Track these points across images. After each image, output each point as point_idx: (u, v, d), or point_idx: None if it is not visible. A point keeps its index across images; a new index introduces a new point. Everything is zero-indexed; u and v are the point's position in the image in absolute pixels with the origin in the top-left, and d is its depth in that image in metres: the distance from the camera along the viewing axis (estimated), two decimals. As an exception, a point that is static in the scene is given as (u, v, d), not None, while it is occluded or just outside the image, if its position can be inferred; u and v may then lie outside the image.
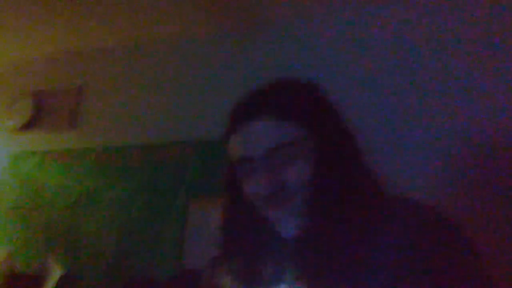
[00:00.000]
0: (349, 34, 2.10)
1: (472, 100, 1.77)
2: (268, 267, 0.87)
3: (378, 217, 0.72)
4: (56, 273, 2.40)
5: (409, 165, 1.79)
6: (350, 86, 2.00)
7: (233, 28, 2.36)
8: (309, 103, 0.82)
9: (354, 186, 0.77)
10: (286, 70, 0.88)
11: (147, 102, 2.51)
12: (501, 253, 1.58)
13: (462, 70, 1.82)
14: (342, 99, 1.81)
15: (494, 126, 1.71)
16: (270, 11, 2.24)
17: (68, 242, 2.45)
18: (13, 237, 2.58)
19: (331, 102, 0.85)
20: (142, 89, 2.55)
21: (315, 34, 2.18)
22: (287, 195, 0.78)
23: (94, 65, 2.74)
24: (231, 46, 2.35)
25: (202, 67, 2.40)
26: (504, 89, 1.73)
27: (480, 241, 1.55)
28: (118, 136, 2.53)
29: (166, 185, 2.31)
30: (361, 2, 2.08)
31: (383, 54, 1.99)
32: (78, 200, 2.50)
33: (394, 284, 0.68)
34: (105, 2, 2.29)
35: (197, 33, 2.44)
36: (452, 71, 1.83)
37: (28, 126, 2.77)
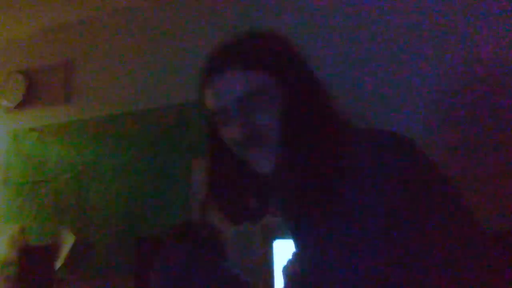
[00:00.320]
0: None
1: (457, 43, 1.83)
2: (252, 203, 0.96)
3: (343, 148, 0.78)
4: (68, 242, 2.48)
5: (400, 106, 1.87)
6: (341, 36, 2.05)
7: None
8: (275, 52, 0.87)
9: (320, 124, 0.83)
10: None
11: (140, 68, 2.54)
12: (486, 186, 1.69)
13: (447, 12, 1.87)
14: (334, 49, 1.85)
15: (478, 66, 1.78)
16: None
17: (76, 212, 2.53)
18: (23, 212, 2.66)
19: (296, 50, 0.90)
20: (134, 55, 2.57)
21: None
22: (261, 137, 0.84)
23: (82, 37, 2.74)
24: (223, 8, 2.36)
25: (197, 27, 2.41)
26: (487, 30, 1.78)
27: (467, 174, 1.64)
28: (115, 105, 2.57)
29: (168, 147, 2.37)
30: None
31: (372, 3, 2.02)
32: (82, 170, 2.56)
33: (365, 208, 0.72)
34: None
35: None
36: (437, 13, 1.88)
37: (23, 104, 2.81)
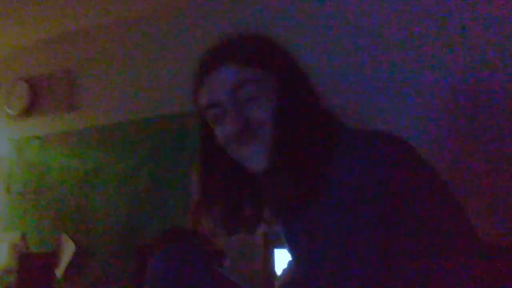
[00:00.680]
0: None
1: (459, 50, 1.84)
2: (246, 209, 0.95)
3: (335, 148, 0.78)
4: (69, 249, 2.49)
5: (402, 111, 1.88)
6: (342, 36, 2.06)
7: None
8: (267, 50, 0.89)
9: (311, 121, 0.84)
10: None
11: (143, 77, 2.55)
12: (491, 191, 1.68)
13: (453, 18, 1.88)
14: (336, 53, 1.83)
15: (479, 74, 1.78)
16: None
17: (78, 219, 2.53)
18: (25, 219, 2.66)
19: (286, 49, 0.92)
20: (137, 64, 2.58)
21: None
22: (254, 131, 0.84)
23: (86, 45, 2.76)
24: (222, 16, 2.38)
25: (199, 37, 2.41)
26: (490, 37, 1.79)
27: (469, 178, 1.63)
28: (117, 113, 2.58)
29: (169, 155, 2.38)
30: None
31: (375, 5, 2.04)
32: (84, 178, 2.57)
33: (356, 210, 0.72)
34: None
35: (187, 5, 2.47)
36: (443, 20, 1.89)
37: (26, 112, 2.82)
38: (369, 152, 0.76)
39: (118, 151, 2.52)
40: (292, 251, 0.92)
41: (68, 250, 2.48)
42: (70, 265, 2.46)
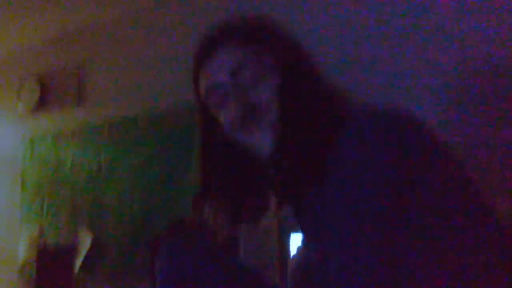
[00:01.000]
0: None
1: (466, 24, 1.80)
2: (251, 198, 0.92)
3: (344, 125, 0.75)
4: (86, 242, 2.52)
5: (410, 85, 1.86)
6: (352, 15, 2.04)
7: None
8: (266, 30, 0.87)
9: (318, 97, 0.82)
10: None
11: (153, 71, 2.55)
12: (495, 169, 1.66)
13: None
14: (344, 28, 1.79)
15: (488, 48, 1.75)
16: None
17: (93, 213, 2.56)
18: (41, 214, 2.70)
19: (286, 30, 0.89)
20: (146, 58, 2.58)
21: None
22: (258, 113, 0.82)
23: (95, 40, 2.77)
24: (230, 8, 2.36)
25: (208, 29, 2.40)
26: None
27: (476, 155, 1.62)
28: (128, 107, 2.59)
29: (180, 148, 2.38)
30: None
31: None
32: (97, 172, 2.59)
33: (364, 190, 0.71)
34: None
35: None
36: None
37: (38, 109, 2.84)
38: (378, 129, 0.73)
39: (130, 145, 2.54)
40: (304, 235, 0.91)
41: (84, 243, 2.52)
42: (87, 257, 2.49)
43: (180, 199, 2.33)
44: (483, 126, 1.72)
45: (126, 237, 2.45)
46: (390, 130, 0.74)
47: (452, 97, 1.79)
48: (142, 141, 2.51)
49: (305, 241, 0.92)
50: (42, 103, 2.83)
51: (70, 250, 2.51)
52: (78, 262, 2.50)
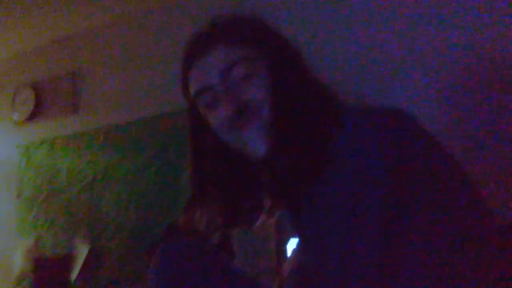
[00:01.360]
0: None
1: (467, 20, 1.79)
2: (245, 200, 0.90)
3: (339, 124, 0.74)
4: (82, 252, 2.49)
5: (407, 87, 1.84)
6: (347, 13, 2.02)
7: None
8: (256, 29, 0.85)
9: (312, 97, 0.79)
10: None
11: (147, 75, 2.53)
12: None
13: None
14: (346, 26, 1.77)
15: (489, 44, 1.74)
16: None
17: (90, 221, 2.53)
18: (37, 224, 2.67)
19: (277, 29, 0.87)
20: (140, 62, 2.57)
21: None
22: (251, 112, 0.79)
23: (88, 47, 2.75)
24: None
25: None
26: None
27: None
28: (123, 113, 2.57)
29: (176, 152, 2.36)
30: None
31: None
32: (93, 179, 2.57)
33: (365, 191, 0.69)
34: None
35: (190, 3, 2.45)
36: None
37: (32, 117, 2.83)
38: (374, 128, 0.72)
39: (126, 151, 2.51)
40: (300, 236, 0.89)
41: (81, 252, 2.49)
42: (84, 266, 2.46)
43: (177, 205, 2.30)
44: (482, 125, 1.71)
45: (123, 245, 2.42)
46: (386, 126, 0.73)
47: (449, 97, 1.78)
48: (137, 147, 2.48)
49: (301, 242, 0.90)
50: (37, 111, 2.81)
51: (67, 260, 2.49)
52: (75, 272, 2.48)
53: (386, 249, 0.68)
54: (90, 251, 2.47)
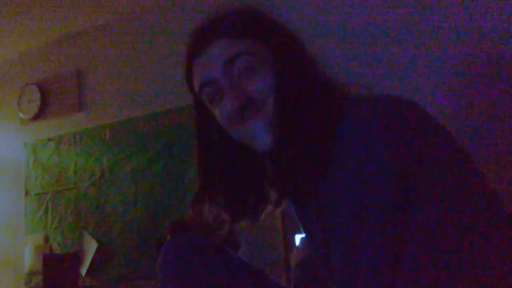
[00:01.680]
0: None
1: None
2: (251, 194, 0.90)
3: (343, 113, 0.73)
4: (91, 248, 2.51)
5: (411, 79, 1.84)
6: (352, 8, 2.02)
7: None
8: (257, 20, 0.84)
9: (315, 88, 0.79)
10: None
11: (151, 71, 2.54)
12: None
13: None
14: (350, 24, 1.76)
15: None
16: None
17: (98, 217, 2.55)
18: (46, 221, 2.69)
19: (276, 17, 0.87)
20: (143, 60, 2.58)
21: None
22: (255, 105, 0.79)
23: (92, 44, 2.76)
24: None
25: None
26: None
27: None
28: (128, 109, 2.58)
29: (182, 148, 2.37)
30: None
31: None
32: (100, 176, 2.58)
33: (370, 179, 0.68)
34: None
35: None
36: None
37: (38, 115, 2.84)
38: (377, 116, 0.71)
39: (132, 148, 2.52)
40: (305, 229, 0.89)
41: (90, 248, 2.51)
42: (93, 262, 2.48)
43: (184, 201, 2.31)
44: (487, 119, 1.70)
45: (131, 241, 2.43)
46: (390, 114, 0.72)
47: (454, 92, 1.77)
48: (143, 144, 2.50)
49: (306, 235, 0.90)
50: (43, 109, 2.83)
51: (76, 256, 2.51)
52: (84, 268, 2.50)
53: (393, 240, 0.67)
54: (98, 248, 2.48)
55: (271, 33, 0.83)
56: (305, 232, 0.90)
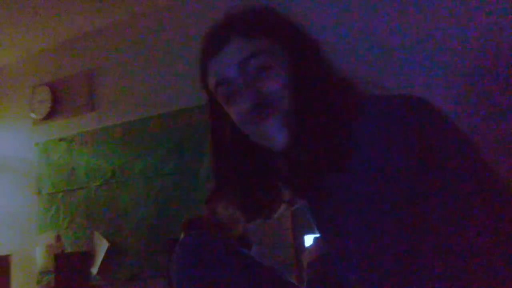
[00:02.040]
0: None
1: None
2: (265, 192, 0.90)
3: (358, 112, 0.73)
4: (102, 247, 2.52)
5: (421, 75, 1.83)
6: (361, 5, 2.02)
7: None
8: (271, 19, 0.84)
9: (331, 87, 0.79)
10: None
11: (162, 71, 2.55)
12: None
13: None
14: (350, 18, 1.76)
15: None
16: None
17: (109, 217, 2.56)
18: (57, 220, 2.71)
19: (290, 17, 0.87)
20: (154, 60, 2.58)
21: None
22: (271, 104, 0.79)
23: (102, 45, 2.78)
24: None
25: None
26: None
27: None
28: (139, 109, 2.59)
29: (193, 148, 2.38)
30: None
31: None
32: (111, 176, 2.59)
33: (381, 178, 0.68)
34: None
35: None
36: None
37: (50, 115, 2.86)
38: (392, 114, 0.71)
39: (143, 147, 2.54)
40: (319, 227, 0.89)
41: (101, 247, 2.52)
42: (104, 262, 2.49)
43: (195, 200, 2.32)
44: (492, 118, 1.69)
45: (142, 240, 2.44)
46: (407, 113, 0.72)
47: (464, 87, 1.76)
48: (154, 143, 2.50)
49: (320, 233, 0.90)
50: (55, 109, 2.85)
51: (87, 256, 2.52)
52: (96, 267, 2.51)
53: (409, 239, 0.67)
54: (109, 247, 2.50)
55: (286, 32, 0.83)
56: (319, 231, 0.90)
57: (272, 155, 0.87)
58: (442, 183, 0.69)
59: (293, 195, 0.92)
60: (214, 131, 0.92)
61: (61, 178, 2.75)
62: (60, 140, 2.80)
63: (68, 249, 2.64)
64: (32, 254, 2.73)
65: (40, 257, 2.69)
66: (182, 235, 0.99)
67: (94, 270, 2.51)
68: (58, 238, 2.68)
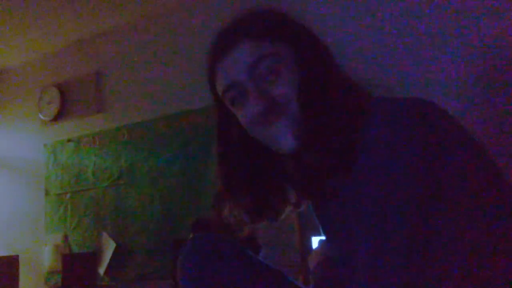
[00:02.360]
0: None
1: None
2: (271, 195, 0.90)
3: (366, 116, 0.73)
4: (109, 248, 2.53)
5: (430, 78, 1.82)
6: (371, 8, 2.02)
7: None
8: (280, 22, 0.84)
9: (339, 90, 0.79)
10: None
11: (169, 72, 2.56)
12: None
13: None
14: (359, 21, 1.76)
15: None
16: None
17: (116, 218, 2.57)
18: (65, 221, 2.73)
19: (299, 19, 0.86)
20: (161, 62, 2.60)
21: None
22: (280, 107, 0.79)
23: (110, 47, 2.80)
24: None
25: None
26: None
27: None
28: (146, 111, 2.60)
29: (199, 149, 2.39)
30: None
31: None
32: (118, 176, 2.61)
33: (395, 179, 0.68)
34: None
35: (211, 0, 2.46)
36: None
37: (58, 116, 2.89)
38: (400, 117, 0.71)
39: (149, 148, 2.55)
40: (325, 230, 0.89)
41: (108, 248, 2.53)
42: (111, 262, 2.51)
43: (201, 201, 2.33)
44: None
45: (148, 241, 2.45)
46: (415, 115, 0.72)
47: (472, 91, 1.76)
48: (161, 144, 2.52)
49: (327, 235, 0.90)
50: (63, 110, 2.88)
51: (95, 256, 2.54)
52: (103, 268, 2.52)
53: (417, 242, 0.67)
54: (116, 247, 2.51)
55: (295, 35, 0.83)
56: (325, 233, 0.90)
57: (280, 158, 0.87)
58: (450, 186, 0.69)
59: (299, 197, 0.92)
60: (221, 133, 0.91)
61: (69, 179, 2.77)
62: (68, 141, 2.82)
63: (76, 250, 2.65)
64: (40, 255, 2.75)
65: (48, 257, 2.71)
66: (190, 235, 0.99)
67: (101, 270, 2.52)
68: (65, 238, 2.70)
